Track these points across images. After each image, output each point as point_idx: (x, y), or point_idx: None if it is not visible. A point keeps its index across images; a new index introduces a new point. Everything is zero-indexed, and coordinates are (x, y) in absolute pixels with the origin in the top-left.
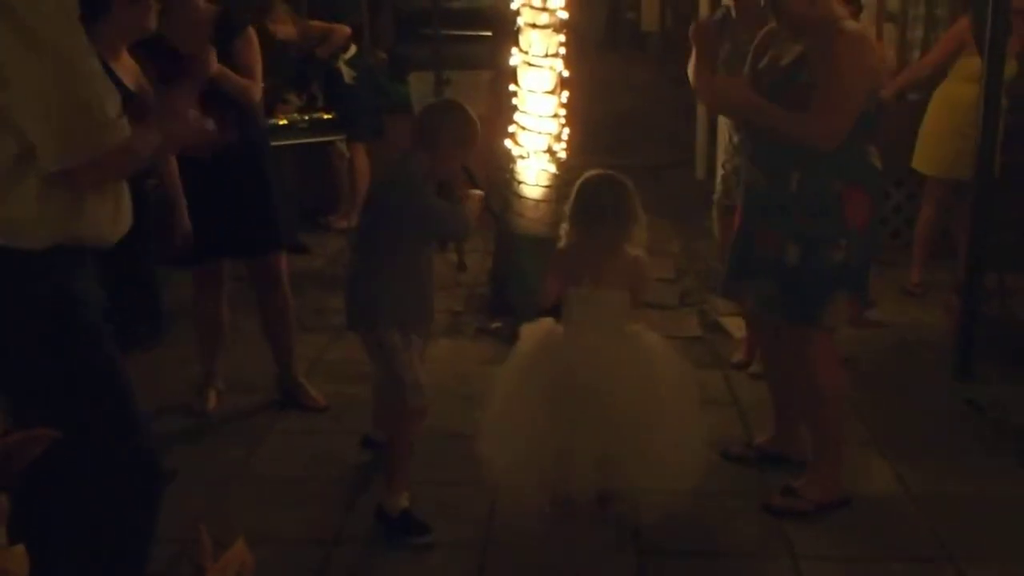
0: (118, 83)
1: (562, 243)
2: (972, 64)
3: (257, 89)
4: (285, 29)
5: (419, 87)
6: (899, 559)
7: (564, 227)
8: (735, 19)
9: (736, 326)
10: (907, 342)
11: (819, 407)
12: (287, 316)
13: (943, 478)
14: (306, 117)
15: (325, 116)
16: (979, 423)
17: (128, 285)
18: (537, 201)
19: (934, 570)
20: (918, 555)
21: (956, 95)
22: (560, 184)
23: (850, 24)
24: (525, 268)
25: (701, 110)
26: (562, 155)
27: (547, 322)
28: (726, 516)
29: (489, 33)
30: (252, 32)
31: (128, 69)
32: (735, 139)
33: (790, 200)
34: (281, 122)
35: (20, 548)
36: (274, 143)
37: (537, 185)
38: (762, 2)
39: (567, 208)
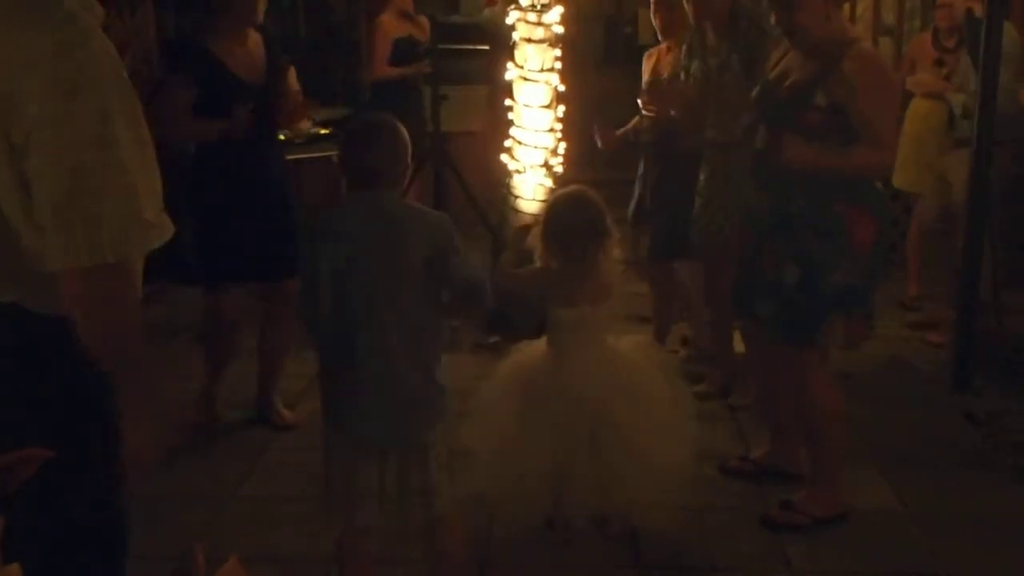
0: (234, 79)
1: (538, 265)
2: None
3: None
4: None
5: None
6: (896, 573)
7: (538, 250)
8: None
9: (735, 340)
10: (904, 356)
11: (817, 424)
12: (288, 340)
13: (940, 493)
14: (303, 133)
15: (322, 132)
16: (976, 437)
17: None
18: (534, 215)
19: None
20: (915, 571)
21: (916, 110)
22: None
23: (866, 47)
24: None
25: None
26: (559, 169)
27: (534, 345)
28: (724, 531)
29: (485, 47)
30: (293, 68)
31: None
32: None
33: (792, 219)
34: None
35: (15, 567)
36: None
37: (534, 199)
38: (773, 20)
39: (538, 231)
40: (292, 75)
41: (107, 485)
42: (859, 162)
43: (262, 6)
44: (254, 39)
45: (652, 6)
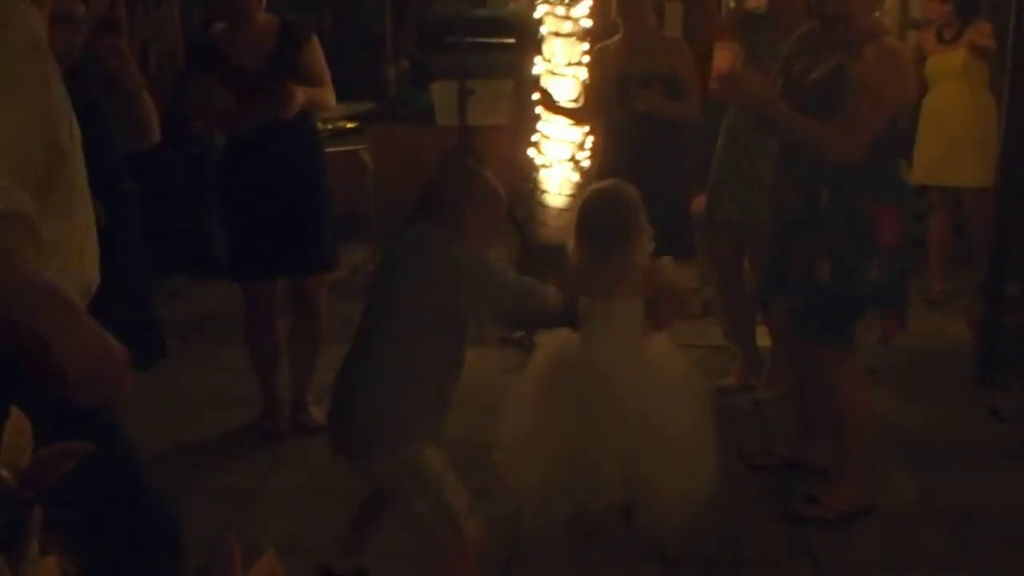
0: (236, 69)
1: (571, 260)
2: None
3: (331, 95)
4: None
5: (442, 96)
6: (921, 568)
7: (570, 244)
8: (770, 22)
9: (760, 335)
10: (929, 351)
11: (845, 419)
12: (319, 338)
13: (965, 487)
14: (329, 127)
15: (348, 126)
16: (1001, 432)
17: (116, 299)
18: (560, 210)
19: None
20: (940, 564)
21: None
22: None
23: (891, 40)
24: (548, 277)
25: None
26: (585, 164)
27: (563, 334)
28: (749, 524)
29: (512, 41)
30: (316, 40)
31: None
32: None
33: (821, 216)
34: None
35: (51, 559)
36: None
37: (560, 194)
38: (826, 9)
39: (573, 225)
40: (313, 49)
41: (120, 474)
42: (814, 132)
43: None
44: (266, 27)
45: None
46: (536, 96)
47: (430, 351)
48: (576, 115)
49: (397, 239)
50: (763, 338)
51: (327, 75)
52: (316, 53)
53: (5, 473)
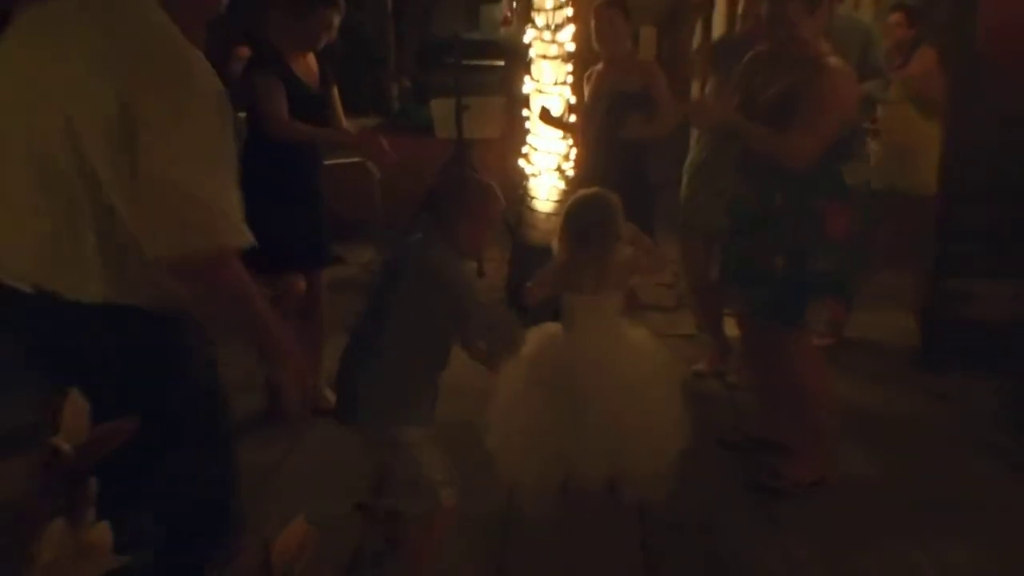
0: (298, 83)
1: (557, 256)
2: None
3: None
4: None
5: (440, 111)
6: (872, 531)
7: (555, 243)
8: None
9: (728, 326)
10: (878, 339)
11: (804, 399)
12: (322, 327)
13: (910, 460)
14: None
15: None
16: (942, 411)
17: None
18: (548, 214)
19: (902, 542)
20: (888, 528)
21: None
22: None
23: (836, 60)
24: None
25: (694, 137)
26: (570, 173)
27: (550, 326)
28: (720, 495)
29: (503, 63)
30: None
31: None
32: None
33: (776, 215)
34: None
35: (104, 524)
36: None
37: (548, 200)
38: (779, 34)
39: (559, 226)
40: (336, 90)
41: (210, 462)
42: (772, 143)
43: (326, 36)
44: (312, 59)
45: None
46: (539, 111)
47: (422, 342)
48: (570, 129)
49: (399, 243)
50: (731, 328)
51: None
52: (337, 94)
53: (67, 448)
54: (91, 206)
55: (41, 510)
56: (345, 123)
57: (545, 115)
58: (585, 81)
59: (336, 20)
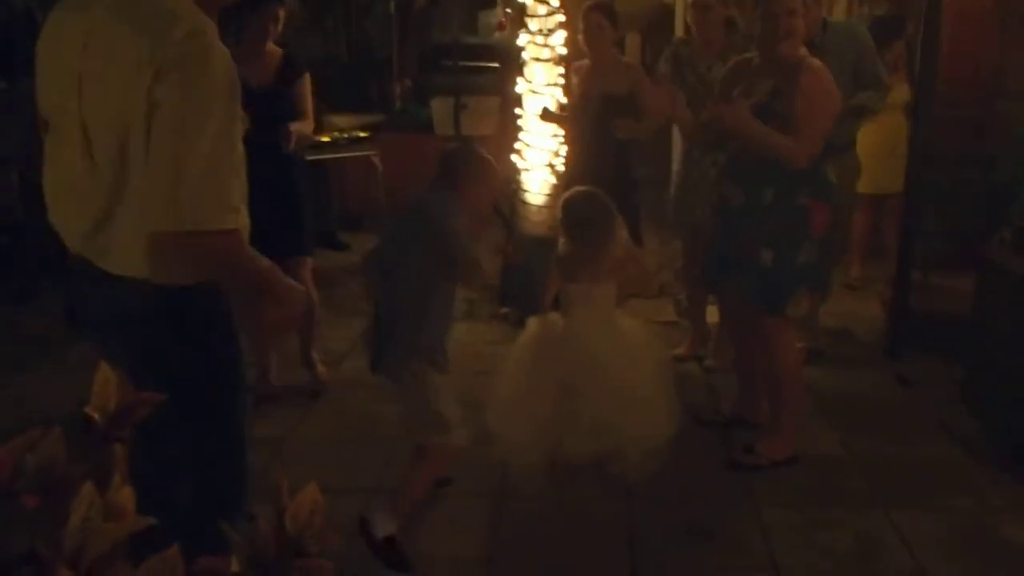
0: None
1: (560, 250)
2: (901, 92)
3: (310, 126)
4: None
5: (440, 110)
6: (840, 505)
7: (561, 238)
8: (694, 51)
9: (708, 313)
10: (848, 327)
11: (780, 381)
12: (312, 314)
13: (877, 440)
14: (346, 135)
15: (361, 134)
16: (906, 395)
17: None
18: (539, 207)
19: (868, 513)
20: (855, 500)
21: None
22: (558, 193)
23: (816, 62)
24: (530, 263)
25: (676, 137)
26: (560, 168)
27: (551, 315)
28: (699, 470)
29: (498, 64)
30: (308, 76)
31: (255, 71)
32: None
33: (765, 212)
34: (324, 139)
35: (129, 488)
36: (320, 156)
37: (539, 193)
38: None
39: (560, 224)
40: (305, 83)
41: (231, 428)
42: (780, 145)
43: (273, 30)
44: (272, 55)
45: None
46: (540, 111)
47: (434, 285)
48: (567, 126)
49: (413, 203)
50: (711, 315)
51: (310, 107)
52: (306, 87)
53: (97, 416)
54: (131, 186)
55: (73, 474)
56: (310, 117)
57: (546, 114)
58: (572, 74)
59: (282, 14)
